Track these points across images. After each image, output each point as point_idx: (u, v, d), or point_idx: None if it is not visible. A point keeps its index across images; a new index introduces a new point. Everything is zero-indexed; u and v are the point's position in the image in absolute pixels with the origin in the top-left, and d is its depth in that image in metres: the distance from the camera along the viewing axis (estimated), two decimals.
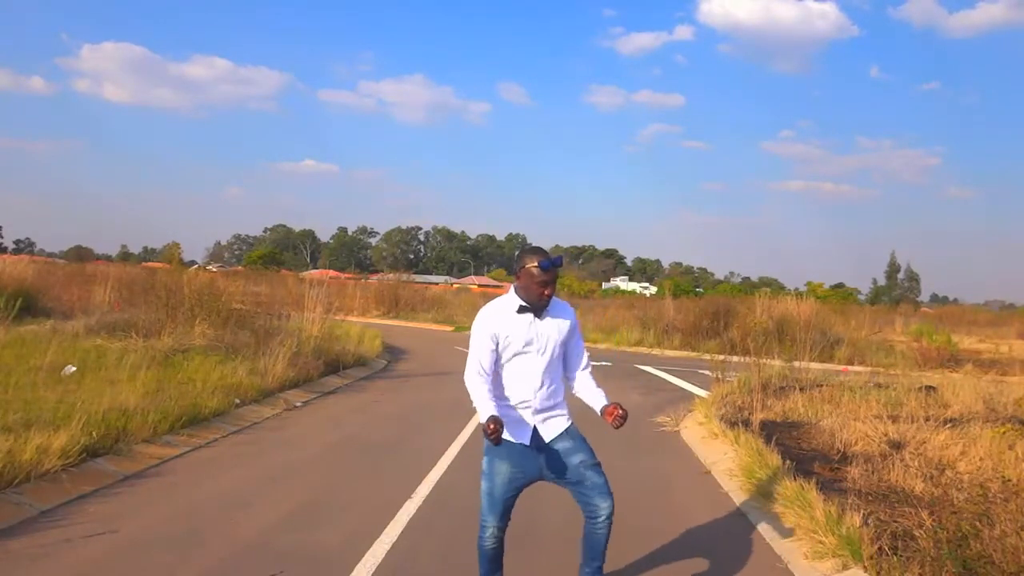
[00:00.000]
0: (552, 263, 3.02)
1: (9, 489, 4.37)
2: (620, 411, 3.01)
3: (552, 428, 3.16)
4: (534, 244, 3.19)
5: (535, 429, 3.13)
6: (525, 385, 3.11)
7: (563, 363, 3.24)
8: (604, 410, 3.10)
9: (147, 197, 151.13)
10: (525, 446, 3.12)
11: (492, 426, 2.85)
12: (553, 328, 3.14)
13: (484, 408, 2.97)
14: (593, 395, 3.21)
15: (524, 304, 3.10)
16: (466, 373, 3.12)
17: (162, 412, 6.30)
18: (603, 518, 3.10)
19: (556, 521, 4.54)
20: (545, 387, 3.13)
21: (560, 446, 3.14)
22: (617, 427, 3.03)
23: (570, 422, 3.21)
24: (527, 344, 3.10)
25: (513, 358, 3.11)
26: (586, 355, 3.30)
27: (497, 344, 3.10)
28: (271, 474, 5.56)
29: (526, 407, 3.12)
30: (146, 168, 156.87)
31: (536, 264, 3.01)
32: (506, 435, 3.11)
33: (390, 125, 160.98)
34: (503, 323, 3.11)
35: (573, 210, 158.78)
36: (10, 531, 3.99)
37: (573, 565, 3.39)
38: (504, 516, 3.16)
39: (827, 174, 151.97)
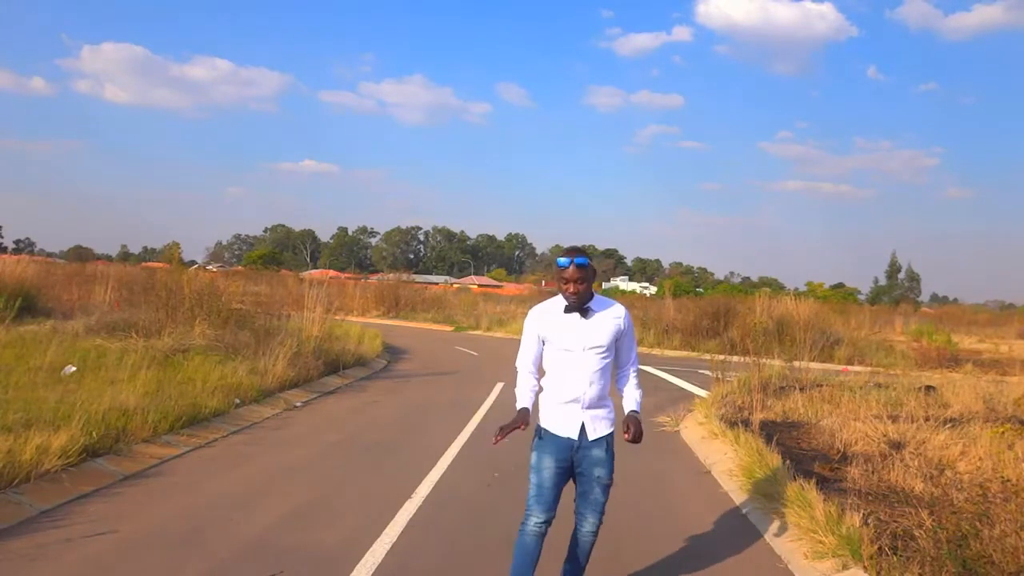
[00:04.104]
0: (570, 260, 3.08)
1: (9, 489, 4.37)
2: (629, 436, 3.11)
3: (598, 428, 3.22)
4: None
5: (583, 425, 3.19)
6: (575, 382, 3.17)
7: (614, 361, 3.31)
8: (627, 418, 3.21)
9: (147, 197, 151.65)
10: (571, 441, 3.19)
11: (520, 425, 3.08)
12: (600, 326, 3.19)
13: (519, 400, 3.24)
14: (629, 396, 3.32)
15: (569, 304, 3.18)
16: (517, 363, 3.32)
17: (162, 412, 6.30)
18: (587, 531, 3.25)
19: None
20: (595, 385, 3.18)
21: (595, 452, 3.20)
22: (633, 441, 3.14)
23: (612, 429, 3.27)
24: (573, 342, 3.17)
25: (562, 356, 3.19)
26: (634, 354, 3.37)
27: (544, 342, 3.25)
28: (271, 474, 5.56)
29: (576, 403, 3.19)
30: (146, 168, 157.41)
31: (557, 262, 3.13)
32: (553, 430, 3.21)
33: (390, 125, 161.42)
34: (549, 322, 3.22)
35: (573, 210, 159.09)
36: (10, 531, 3.99)
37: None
38: (550, 508, 3.18)
39: (826, 175, 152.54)
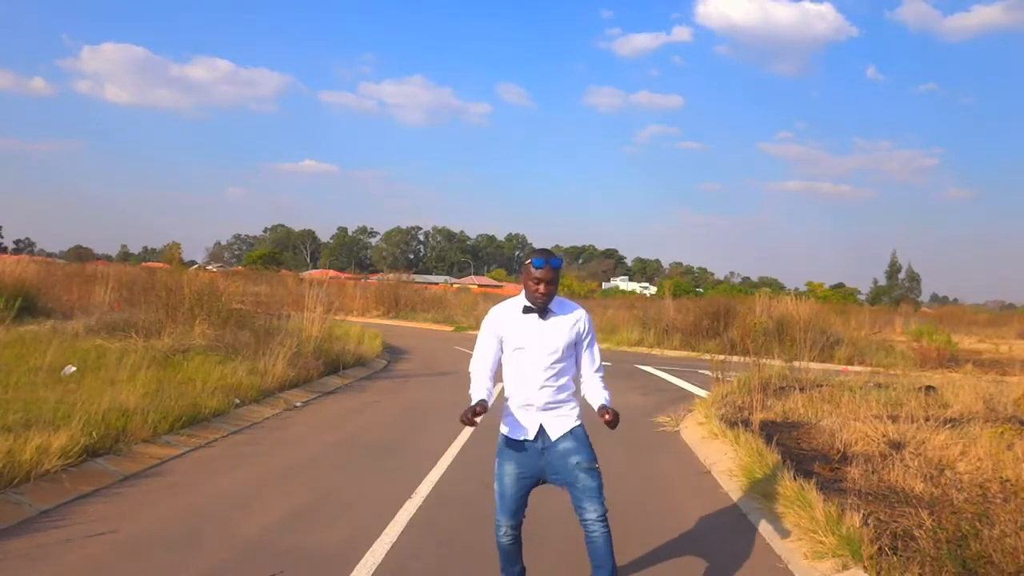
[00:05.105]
0: (546, 261, 3.06)
1: (9, 489, 4.37)
2: (608, 416, 3.04)
3: (559, 427, 3.18)
4: (538, 246, 3.23)
5: (541, 427, 3.16)
6: (529, 383, 3.15)
7: (576, 364, 3.26)
8: (599, 409, 3.13)
9: (147, 197, 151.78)
10: (530, 444, 3.16)
11: (477, 408, 2.93)
12: (558, 328, 3.16)
13: (474, 394, 3.11)
14: (595, 395, 3.22)
15: (528, 304, 3.15)
16: (470, 365, 3.25)
17: (162, 412, 6.30)
18: (591, 521, 3.10)
19: (557, 512, 4.54)
20: (550, 386, 3.15)
21: (562, 446, 3.16)
22: (610, 426, 3.06)
23: (579, 422, 3.22)
24: (530, 343, 3.15)
25: (517, 356, 3.17)
26: (599, 359, 3.30)
27: (501, 342, 3.20)
28: (271, 474, 5.56)
29: (530, 405, 3.16)
30: (146, 168, 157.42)
31: (531, 261, 3.10)
32: (512, 435, 3.19)
33: (390, 126, 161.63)
34: (508, 322, 3.19)
35: (573, 210, 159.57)
36: (10, 531, 3.99)
37: (574, 555, 3.39)
38: (515, 515, 3.21)
39: (826, 174, 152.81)
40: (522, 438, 3.17)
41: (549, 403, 3.15)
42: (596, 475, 3.14)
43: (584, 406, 3.28)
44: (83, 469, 4.99)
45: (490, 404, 3.08)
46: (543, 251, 3.13)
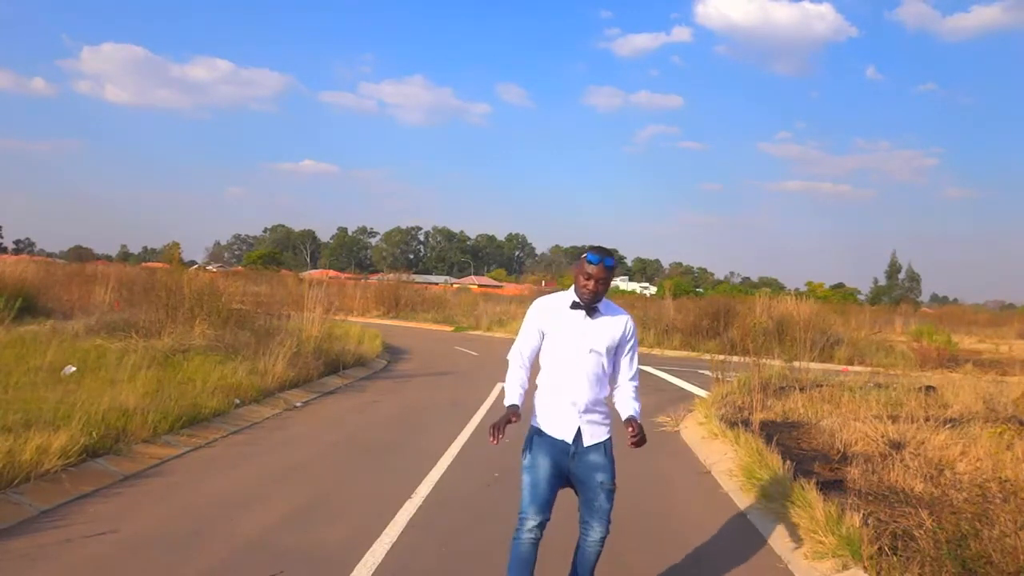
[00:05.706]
0: (600, 259, 3.03)
1: (9, 489, 4.37)
2: (634, 433, 3.02)
3: (594, 433, 3.13)
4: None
5: (579, 430, 3.11)
6: (571, 383, 3.10)
7: (614, 369, 3.22)
8: (628, 420, 3.10)
9: (147, 197, 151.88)
10: (566, 444, 3.10)
11: (511, 418, 2.96)
12: (603, 329, 3.13)
13: (509, 394, 3.09)
14: (626, 404, 3.19)
15: (577, 301, 3.12)
16: (509, 354, 3.21)
17: (162, 412, 6.30)
18: (593, 541, 3.12)
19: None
20: (591, 388, 3.11)
21: (592, 458, 3.12)
22: (632, 445, 3.04)
23: (610, 435, 3.18)
24: (573, 341, 3.10)
25: (560, 354, 3.13)
26: (636, 367, 3.25)
27: (543, 336, 3.17)
28: (271, 474, 5.56)
29: (572, 405, 3.10)
30: (146, 168, 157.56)
31: (586, 256, 3.06)
32: (548, 430, 3.12)
33: (390, 126, 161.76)
34: (553, 315, 3.15)
35: (573, 210, 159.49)
36: (10, 531, 3.98)
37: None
38: (545, 509, 3.06)
39: (825, 174, 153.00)
40: (560, 437, 3.10)
41: (590, 405, 3.11)
42: (612, 498, 3.12)
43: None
44: (83, 469, 4.99)
45: (522, 404, 3.06)
46: (600, 248, 3.09)
